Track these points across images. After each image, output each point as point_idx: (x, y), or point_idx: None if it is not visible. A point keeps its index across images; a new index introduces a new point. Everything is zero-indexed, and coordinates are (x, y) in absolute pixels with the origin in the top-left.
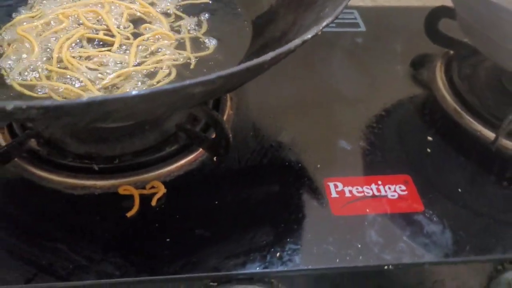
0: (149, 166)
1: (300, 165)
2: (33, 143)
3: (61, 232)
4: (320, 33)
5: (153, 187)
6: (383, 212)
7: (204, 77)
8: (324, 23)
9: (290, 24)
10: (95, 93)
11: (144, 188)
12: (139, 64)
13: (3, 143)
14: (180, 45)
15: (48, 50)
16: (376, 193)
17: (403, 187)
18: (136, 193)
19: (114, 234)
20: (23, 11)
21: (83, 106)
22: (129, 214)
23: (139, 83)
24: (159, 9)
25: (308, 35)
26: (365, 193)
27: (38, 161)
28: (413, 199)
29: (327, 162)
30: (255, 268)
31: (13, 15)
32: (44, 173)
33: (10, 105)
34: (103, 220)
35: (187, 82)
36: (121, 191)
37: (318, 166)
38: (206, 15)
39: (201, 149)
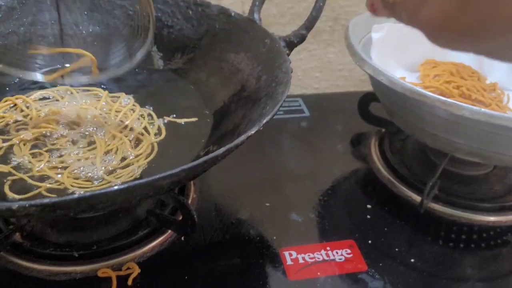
0: (125, 249)
1: (258, 238)
2: (17, 236)
3: None
4: (262, 128)
5: (128, 268)
6: (332, 274)
7: (170, 171)
8: (264, 120)
9: (241, 118)
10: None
11: (120, 269)
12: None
13: None
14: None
15: None
16: (325, 257)
17: (349, 251)
18: (113, 275)
19: None
20: None
21: (74, 202)
22: None
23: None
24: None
25: (252, 131)
26: (316, 259)
27: (21, 253)
28: (357, 260)
29: (282, 233)
30: None
31: None
32: (27, 263)
33: (15, 205)
34: None
35: (156, 176)
36: (100, 274)
37: (274, 237)
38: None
39: (170, 231)
